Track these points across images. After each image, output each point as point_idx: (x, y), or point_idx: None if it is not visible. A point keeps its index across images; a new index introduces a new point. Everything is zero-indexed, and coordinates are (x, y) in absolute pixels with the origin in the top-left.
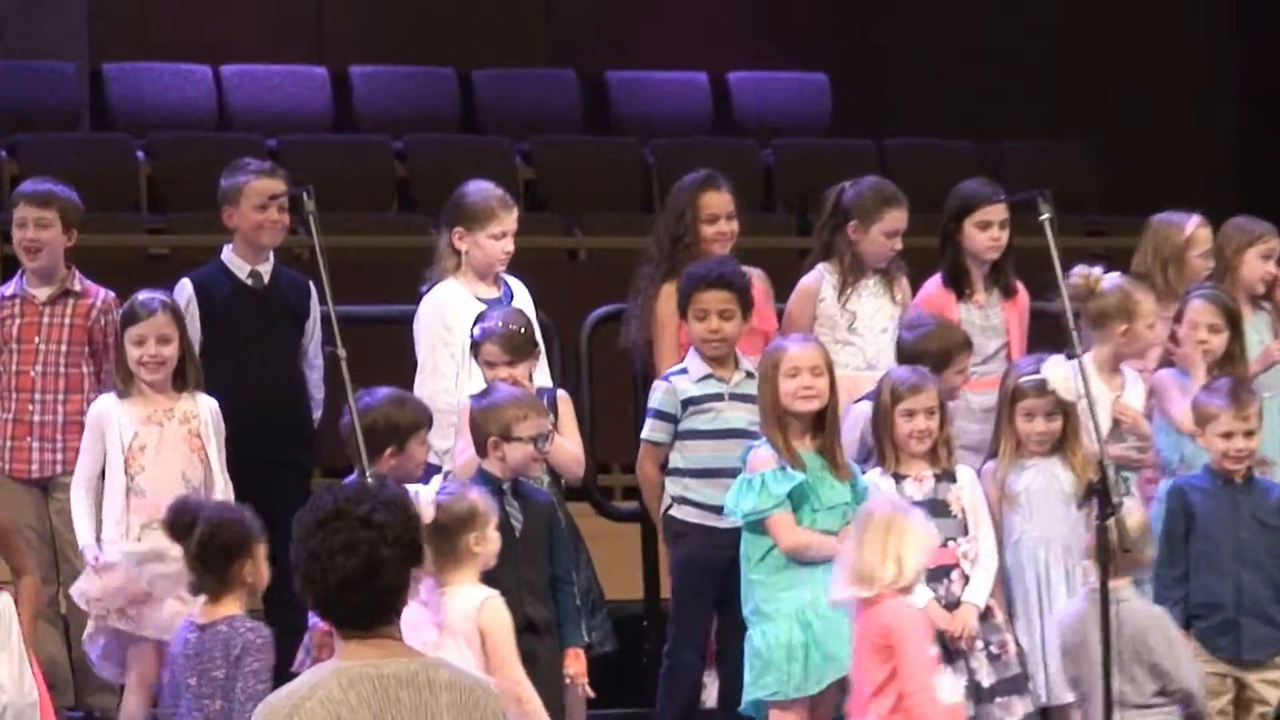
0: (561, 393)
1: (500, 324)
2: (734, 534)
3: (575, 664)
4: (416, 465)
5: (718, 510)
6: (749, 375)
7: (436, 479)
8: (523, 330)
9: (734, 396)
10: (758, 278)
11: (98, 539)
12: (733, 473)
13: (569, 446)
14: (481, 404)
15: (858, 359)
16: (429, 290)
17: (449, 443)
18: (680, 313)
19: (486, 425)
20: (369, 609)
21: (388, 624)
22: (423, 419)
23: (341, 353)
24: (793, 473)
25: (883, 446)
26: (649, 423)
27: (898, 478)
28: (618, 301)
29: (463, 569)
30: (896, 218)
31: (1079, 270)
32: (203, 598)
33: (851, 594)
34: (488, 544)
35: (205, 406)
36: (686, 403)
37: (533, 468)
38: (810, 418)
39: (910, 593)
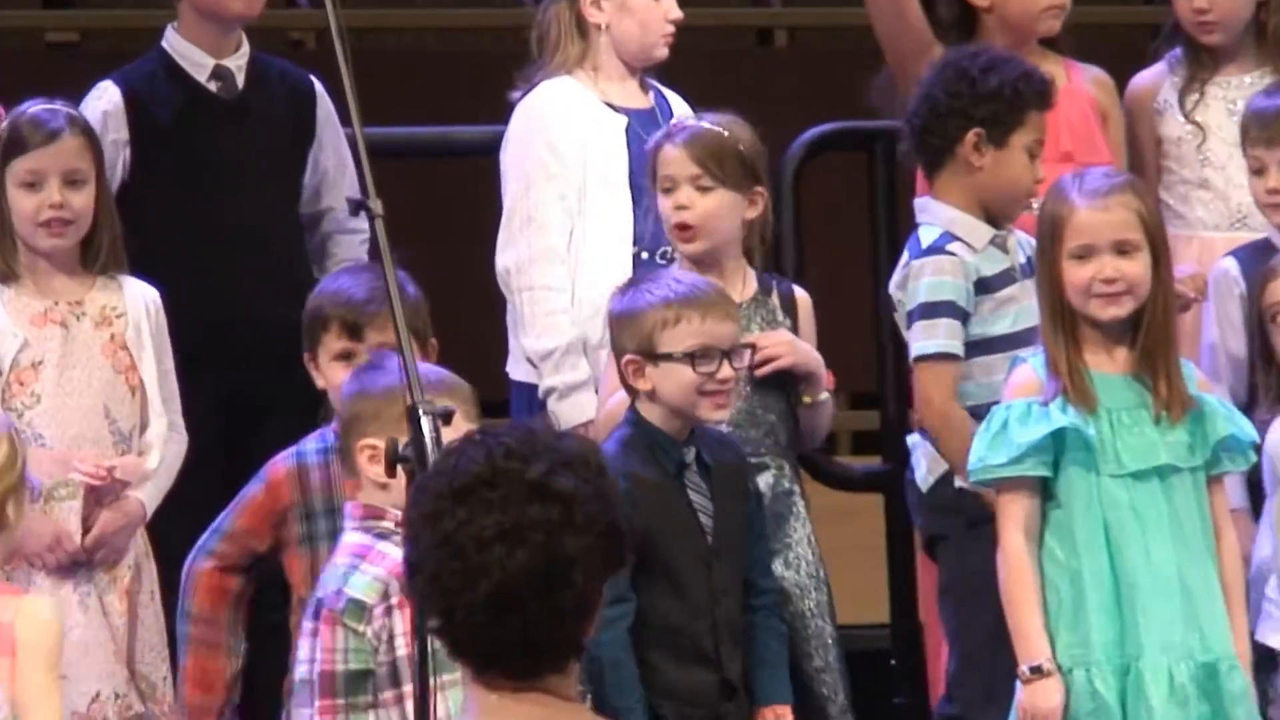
0: (802, 293)
1: (698, 123)
2: None
3: None
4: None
5: None
6: None
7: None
8: (739, 143)
9: (1028, 272)
10: (1089, 81)
11: None
12: None
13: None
14: (620, 304)
15: (1217, 213)
16: (526, 94)
17: (551, 343)
18: (993, 139)
19: (620, 338)
20: (537, 642)
21: (559, 671)
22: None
23: (375, 205)
24: (1056, 413)
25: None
26: (926, 327)
27: None
28: (839, 117)
29: None
30: None
31: None
32: None
33: None
34: None
35: (136, 298)
36: (978, 286)
37: (704, 406)
38: (1124, 320)
39: None
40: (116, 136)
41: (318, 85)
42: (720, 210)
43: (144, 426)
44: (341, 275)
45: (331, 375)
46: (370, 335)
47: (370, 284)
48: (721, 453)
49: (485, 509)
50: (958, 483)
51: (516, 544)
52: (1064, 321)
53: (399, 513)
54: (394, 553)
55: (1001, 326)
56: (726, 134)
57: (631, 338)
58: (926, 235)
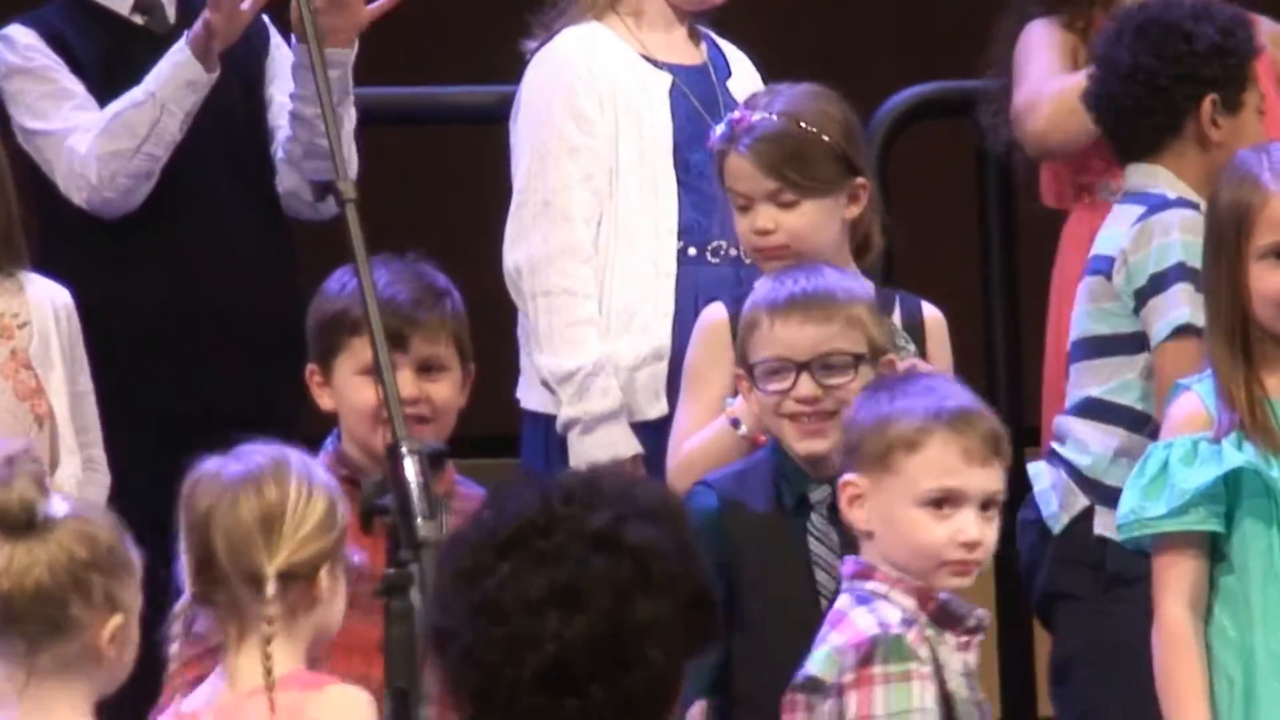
0: (932, 312)
1: (766, 115)
2: None
3: None
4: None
5: None
6: None
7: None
8: (823, 133)
9: None
10: (1264, 37)
11: None
12: None
13: None
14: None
15: None
16: (543, 45)
17: (573, 362)
18: (1227, 103)
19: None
20: None
21: None
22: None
23: (346, 188)
24: (1230, 452)
25: None
26: (1186, 292)
27: None
28: (940, 75)
29: None
30: None
31: None
32: None
33: None
34: None
35: (43, 302)
36: None
37: (789, 433)
38: None
39: None
40: (48, 61)
41: (268, 23)
42: (813, 226)
43: (55, 466)
44: (376, 268)
45: (351, 393)
46: (417, 346)
47: (414, 282)
48: None
49: (535, 563)
50: (1099, 528)
51: (574, 608)
52: (1242, 338)
53: (890, 570)
54: (863, 621)
55: None
56: (805, 124)
57: (739, 349)
58: (1161, 194)
